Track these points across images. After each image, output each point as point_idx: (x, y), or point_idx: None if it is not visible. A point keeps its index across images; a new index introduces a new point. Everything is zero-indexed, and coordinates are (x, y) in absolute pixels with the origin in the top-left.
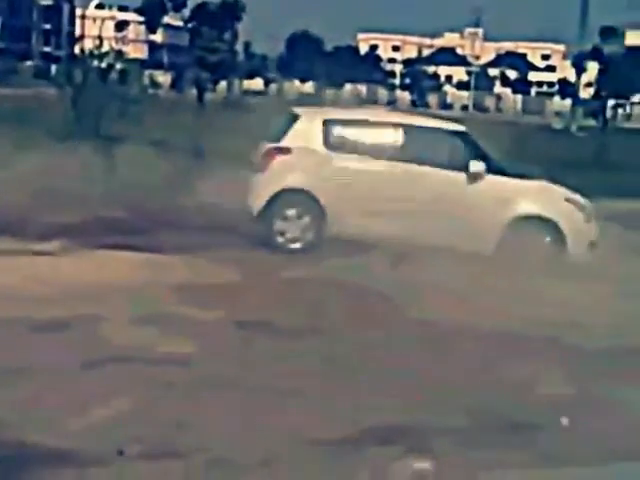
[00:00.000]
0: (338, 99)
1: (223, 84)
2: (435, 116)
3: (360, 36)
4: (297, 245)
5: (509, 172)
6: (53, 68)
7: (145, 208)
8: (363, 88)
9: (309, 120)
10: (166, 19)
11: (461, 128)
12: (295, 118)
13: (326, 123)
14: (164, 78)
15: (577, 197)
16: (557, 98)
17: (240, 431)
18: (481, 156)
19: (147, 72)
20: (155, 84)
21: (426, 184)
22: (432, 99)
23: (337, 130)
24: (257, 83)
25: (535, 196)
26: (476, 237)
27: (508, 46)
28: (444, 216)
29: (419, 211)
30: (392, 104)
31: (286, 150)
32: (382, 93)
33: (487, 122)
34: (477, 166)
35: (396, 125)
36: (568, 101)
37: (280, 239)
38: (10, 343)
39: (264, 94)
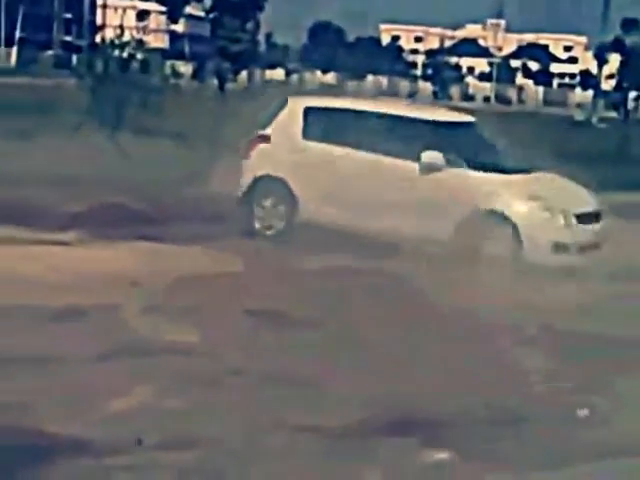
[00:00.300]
0: (360, 90)
1: (244, 74)
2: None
3: (382, 27)
4: (271, 232)
5: (499, 166)
6: (74, 58)
7: (159, 198)
8: (385, 79)
9: (292, 107)
10: (188, 9)
11: (452, 118)
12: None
13: (307, 111)
14: (185, 68)
15: (580, 194)
16: (579, 90)
17: (255, 420)
18: (474, 148)
19: (168, 62)
20: (176, 74)
21: (390, 175)
22: (454, 90)
23: (316, 118)
24: (279, 73)
25: (497, 192)
26: (432, 230)
27: (530, 37)
28: (404, 207)
29: (381, 201)
30: (413, 95)
31: (266, 138)
32: (404, 84)
33: (509, 114)
34: (430, 157)
35: (377, 115)
36: (590, 93)
37: (258, 225)
38: (29, 330)
39: (286, 84)
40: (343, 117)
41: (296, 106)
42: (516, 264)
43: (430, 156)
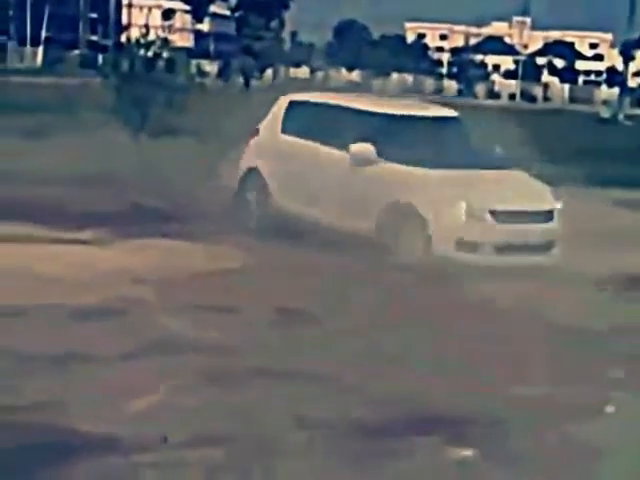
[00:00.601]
0: (385, 88)
1: (269, 72)
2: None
3: (407, 25)
4: (254, 224)
5: (456, 162)
6: (100, 57)
7: (175, 196)
8: (410, 77)
9: (281, 102)
10: (213, 8)
11: (427, 114)
12: None
13: (289, 106)
14: (211, 67)
15: (526, 193)
16: (604, 87)
17: (281, 417)
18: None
19: (194, 61)
20: (202, 73)
21: (335, 168)
22: (479, 88)
23: (296, 113)
24: (304, 71)
25: (419, 187)
26: (360, 222)
27: (556, 35)
28: (340, 199)
29: (325, 193)
30: (439, 93)
31: (257, 132)
32: (429, 82)
33: (534, 111)
34: (359, 149)
35: (348, 110)
36: (616, 90)
37: (245, 217)
38: (52, 329)
39: (310, 82)
40: (318, 112)
41: (284, 101)
42: (423, 260)
43: (358, 148)
